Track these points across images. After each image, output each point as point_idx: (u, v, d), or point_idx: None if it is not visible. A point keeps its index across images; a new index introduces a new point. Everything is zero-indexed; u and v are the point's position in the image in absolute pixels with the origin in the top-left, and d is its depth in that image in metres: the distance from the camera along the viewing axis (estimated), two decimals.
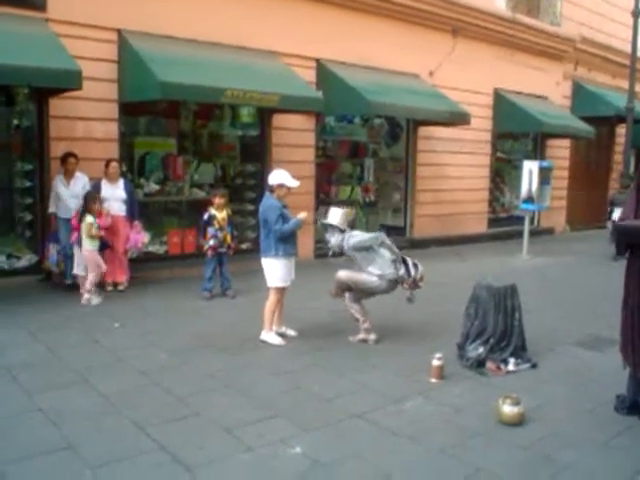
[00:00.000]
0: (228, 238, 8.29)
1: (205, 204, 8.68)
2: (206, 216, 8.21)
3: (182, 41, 9.36)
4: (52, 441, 4.18)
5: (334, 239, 6.56)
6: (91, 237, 7.87)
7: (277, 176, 6.43)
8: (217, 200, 8.19)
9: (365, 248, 6.41)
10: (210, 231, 8.16)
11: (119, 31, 8.90)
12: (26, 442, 4.15)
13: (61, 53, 7.68)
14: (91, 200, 7.99)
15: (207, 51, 9.50)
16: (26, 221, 8.92)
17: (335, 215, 6.63)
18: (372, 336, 6.58)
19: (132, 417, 4.56)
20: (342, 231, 6.55)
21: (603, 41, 17.22)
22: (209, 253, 8.25)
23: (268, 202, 6.39)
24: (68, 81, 7.52)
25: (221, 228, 8.17)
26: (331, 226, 6.61)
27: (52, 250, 8.40)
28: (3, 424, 4.42)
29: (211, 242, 8.17)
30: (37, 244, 8.66)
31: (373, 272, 6.36)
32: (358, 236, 6.51)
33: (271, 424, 4.54)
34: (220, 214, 8.19)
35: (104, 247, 8.15)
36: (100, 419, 4.54)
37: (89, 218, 7.84)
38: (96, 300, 7.89)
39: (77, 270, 8.24)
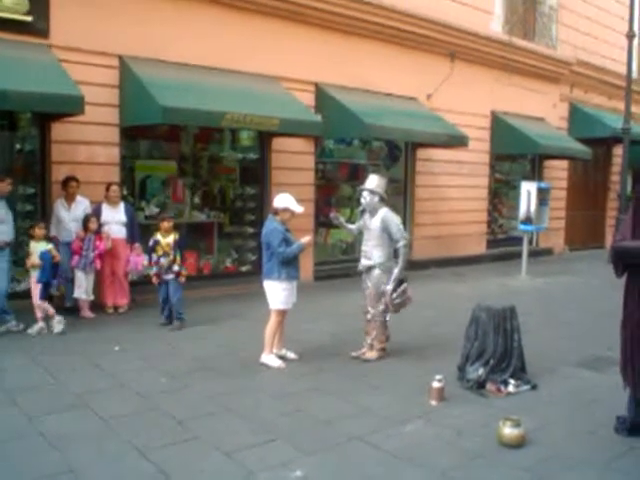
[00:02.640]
0: (175, 263, 7.91)
1: (206, 227, 8.70)
2: (151, 242, 7.98)
3: (182, 66, 9.47)
4: (54, 465, 4.18)
5: (368, 199, 6.73)
6: (32, 267, 7.57)
7: (283, 200, 6.47)
8: (164, 224, 7.95)
9: (392, 232, 6.60)
10: (153, 258, 7.91)
11: (120, 57, 9.01)
12: (27, 466, 4.15)
13: (64, 79, 7.77)
14: (86, 221, 8.19)
15: (207, 76, 9.61)
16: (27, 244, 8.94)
17: (376, 180, 6.83)
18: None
19: (133, 441, 4.56)
20: (382, 199, 6.74)
21: (598, 63, 17.39)
22: (154, 280, 7.99)
23: (271, 225, 6.43)
24: (71, 106, 7.62)
25: (165, 254, 7.85)
26: (371, 192, 6.71)
27: None
28: (4, 448, 4.42)
29: (154, 269, 7.92)
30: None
31: (380, 256, 6.58)
32: (395, 218, 6.71)
33: (272, 448, 4.54)
34: (165, 239, 7.89)
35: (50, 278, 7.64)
36: (101, 443, 4.54)
37: (32, 245, 7.58)
38: (58, 328, 7.52)
39: (78, 293, 8.28)
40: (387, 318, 6.78)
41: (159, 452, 4.40)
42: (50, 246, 7.59)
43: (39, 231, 7.60)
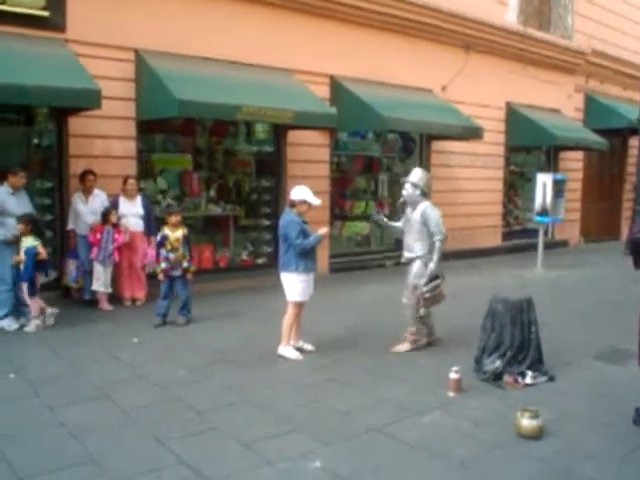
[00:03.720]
0: (184, 259, 7.75)
1: (222, 220, 8.69)
2: (159, 237, 7.78)
3: (198, 59, 9.50)
4: (75, 455, 4.24)
5: (410, 191, 6.79)
6: (17, 263, 7.34)
7: (300, 192, 6.49)
8: (172, 219, 7.78)
9: (430, 227, 6.66)
10: (162, 253, 7.68)
11: (136, 51, 9.05)
12: (49, 456, 4.22)
13: (80, 73, 7.83)
14: (107, 213, 8.26)
15: (222, 69, 9.63)
16: (46, 238, 9.02)
17: (419, 174, 6.91)
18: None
19: (152, 431, 4.62)
20: (424, 194, 6.81)
21: (614, 53, 17.23)
22: (161, 277, 7.77)
23: (288, 217, 6.46)
24: (88, 100, 7.68)
25: (173, 249, 7.65)
26: (414, 185, 6.78)
27: (71, 266, 8.52)
28: (27, 438, 4.49)
29: (162, 265, 7.68)
30: (56, 260, 8.76)
31: (422, 249, 6.71)
32: (435, 212, 6.75)
33: (290, 438, 4.58)
34: (173, 234, 7.69)
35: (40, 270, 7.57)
36: (121, 433, 4.60)
37: (22, 241, 7.35)
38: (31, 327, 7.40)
39: (96, 286, 8.35)
40: (421, 313, 6.79)
41: (179, 442, 4.45)
42: (37, 242, 7.42)
43: (22, 227, 7.33)
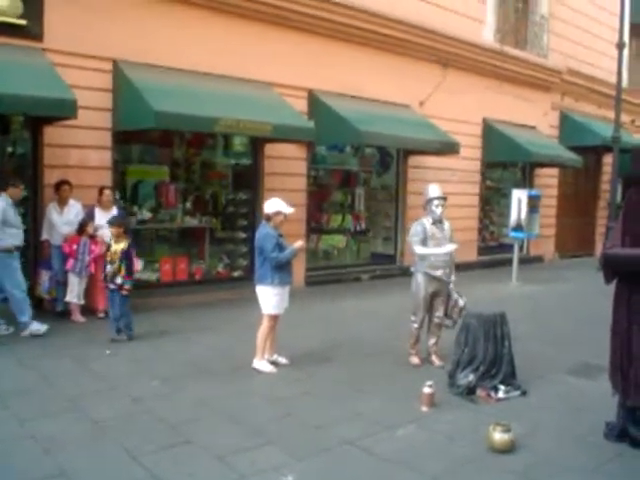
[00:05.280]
0: (119, 274, 7.40)
1: (198, 232, 8.64)
2: (105, 245, 7.73)
3: (176, 71, 9.48)
4: (45, 469, 4.17)
5: (442, 208, 6.91)
6: None
7: (273, 204, 6.51)
8: (112, 230, 7.51)
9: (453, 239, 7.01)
10: (105, 263, 7.55)
11: (114, 61, 9.02)
12: (19, 470, 4.15)
13: (57, 82, 7.78)
14: (84, 224, 8.18)
15: (201, 81, 9.62)
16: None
17: (439, 189, 7.01)
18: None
19: (124, 445, 4.56)
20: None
21: (589, 72, 17.54)
22: (103, 286, 7.69)
23: (264, 231, 6.46)
24: (64, 110, 7.63)
25: (111, 262, 7.40)
26: (442, 198, 6.91)
27: (44, 277, 8.43)
28: None
29: (102, 276, 7.60)
30: (29, 271, 8.65)
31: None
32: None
33: (263, 452, 4.56)
34: (115, 246, 7.45)
35: None
36: (93, 446, 4.54)
37: None
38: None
39: (69, 297, 8.27)
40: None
41: (151, 456, 4.41)
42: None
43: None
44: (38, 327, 7.52)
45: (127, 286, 7.47)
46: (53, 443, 4.55)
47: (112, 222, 7.57)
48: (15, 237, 7.52)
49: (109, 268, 7.43)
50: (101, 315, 8.57)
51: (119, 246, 7.44)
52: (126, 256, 7.45)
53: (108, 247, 7.50)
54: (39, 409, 5.23)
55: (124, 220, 7.75)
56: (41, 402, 5.40)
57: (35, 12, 8.28)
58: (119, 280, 7.40)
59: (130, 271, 7.55)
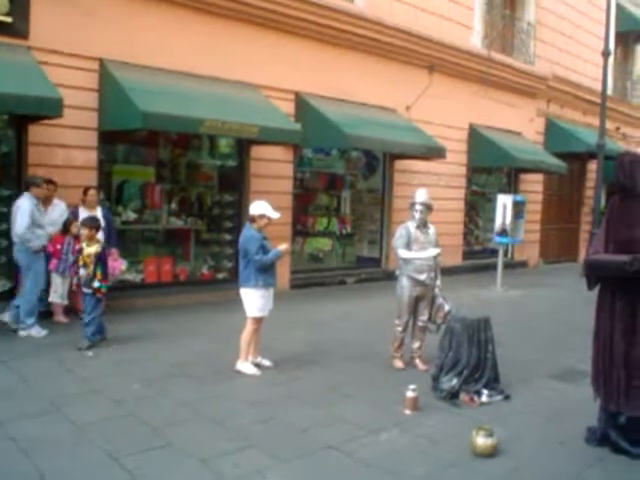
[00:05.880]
0: (94, 278, 7.17)
1: (183, 233, 8.57)
2: (77, 247, 7.49)
3: (163, 71, 9.45)
4: (24, 471, 4.13)
5: (425, 213, 6.93)
6: None
7: (258, 207, 6.50)
8: (84, 232, 7.27)
9: (437, 244, 7.05)
10: (77, 266, 7.31)
11: (101, 60, 8.97)
12: None
13: (42, 81, 7.71)
14: (69, 224, 8.12)
15: (187, 82, 9.59)
16: (1, 247, 8.84)
17: (425, 194, 7.02)
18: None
19: (106, 447, 4.53)
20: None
21: (574, 80, 17.70)
22: (74, 289, 7.55)
23: (249, 233, 6.45)
24: (49, 109, 7.56)
25: (85, 265, 7.16)
26: (428, 206, 6.93)
27: None
28: None
29: (75, 280, 7.38)
30: (11, 271, 8.57)
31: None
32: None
33: (246, 454, 4.54)
34: (87, 249, 7.19)
35: None
36: (73, 449, 4.50)
37: None
38: None
39: (53, 297, 8.21)
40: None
41: (132, 458, 4.37)
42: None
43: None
44: (39, 330, 7.60)
45: (103, 289, 7.31)
46: (32, 445, 4.50)
47: (84, 223, 7.34)
48: (42, 238, 7.71)
49: (83, 272, 7.18)
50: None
51: (92, 249, 7.20)
52: (100, 259, 7.23)
53: (80, 250, 7.25)
54: (19, 411, 5.17)
55: (96, 221, 7.51)
56: (21, 404, 5.34)
57: (21, 9, 8.21)
58: (96, 284, 7.18)
59: (106, 274, 7.35)
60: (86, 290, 7.23)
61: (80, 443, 4.62)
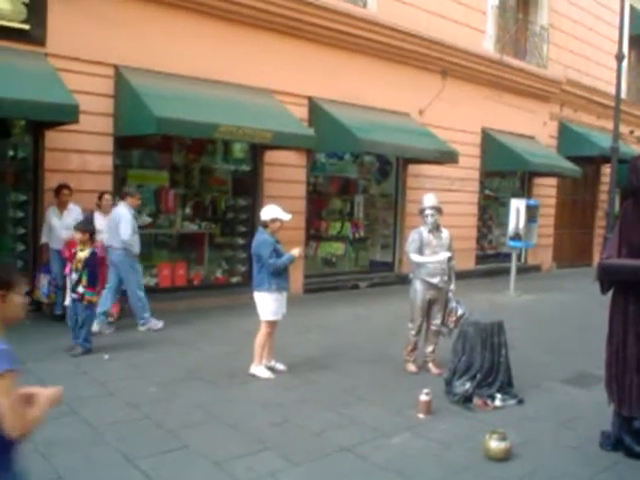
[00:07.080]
0: (80, 284, 7.04)
1: (197, 238, 8.63)
2: (73, 250, 7.33)
3: (177, 77, 9.54)
4: (41, 472, 4.17)
5: (437, 216, 6.92)
6: None
7: (270, 211, 6.55)
8: (77, 236, 7.15)
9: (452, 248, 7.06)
10: (66, 271, 7.30)
11: (116, 67, 9.07)
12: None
13: (59, 87, 7.82)
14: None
15: (201, 88, 9.67)
16: (18, 251, 8.95)
17: (434, 198, 7.01)
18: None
19: (121, 449, 4.58)
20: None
21: (588, 83, 17.64)
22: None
23: (261, 237, 6.49)
24: (65, 115, 7.67)
25: (76, 270, 7.05)
26: (438, 209, 6.92)
27: (43, 281, 8.45)
28: None
29: (67, 283, 7.30)
30: (28, 274, 8.67)
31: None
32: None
33: (260, 457, 4.57)
34: (80, 253, 7.07)
35: None
36: (89, 450, 4.56)
37: None
38: None
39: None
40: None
41: (147, 460, 4.42)
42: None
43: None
44: (156, 322, 8.42)
45: (88, 297, 7.09)
46: (49, 447, 4.55)
47: (77, 227, 7.19)
48: (138, 244, 8.42)
49: (74, 276, 7.09)
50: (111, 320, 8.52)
51: (83, 253, 7.08)
52: (88, 265, 7.04)
53: (75, 254, 7.15)
54: None
55: (89, 226, 7.37)
56: None
57: (38, 17, 8.34)
58: (80, 289, 7.04)
59: (92, 281, 7.11)
60: (73, 295, 7.13)
61: (96, 445, 4.67)
